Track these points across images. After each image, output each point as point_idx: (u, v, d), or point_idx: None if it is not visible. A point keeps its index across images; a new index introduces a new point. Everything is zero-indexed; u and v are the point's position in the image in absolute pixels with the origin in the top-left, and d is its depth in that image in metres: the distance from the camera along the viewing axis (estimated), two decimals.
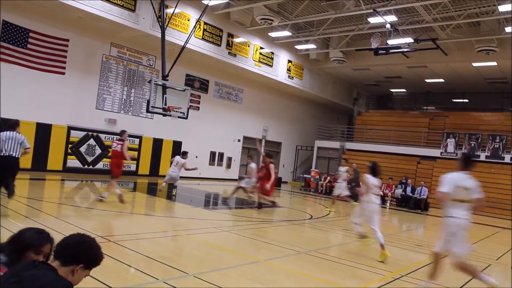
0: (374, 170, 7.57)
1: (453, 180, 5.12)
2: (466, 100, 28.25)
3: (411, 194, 18.26)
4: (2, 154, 7.55)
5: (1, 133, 7.70)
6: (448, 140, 21.65)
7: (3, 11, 13.90)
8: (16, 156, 7.71)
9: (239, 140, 23.66)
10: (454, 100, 29.13)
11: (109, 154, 16.91)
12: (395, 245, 9.07)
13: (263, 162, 12.59)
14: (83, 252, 2.18)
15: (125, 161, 10.68)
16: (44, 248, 2.33)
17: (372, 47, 16.62)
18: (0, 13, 13.59)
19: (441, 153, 21.74)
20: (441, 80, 25.02)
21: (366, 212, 7.43)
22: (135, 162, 17.90)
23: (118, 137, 10.57)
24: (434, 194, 18.96)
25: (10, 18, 14.11)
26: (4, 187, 7.80)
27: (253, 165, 13.48)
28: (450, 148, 21.51)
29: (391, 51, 17.04)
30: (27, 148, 7.97)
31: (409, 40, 17.62)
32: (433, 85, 26.58)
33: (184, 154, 13.07)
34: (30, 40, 14.67)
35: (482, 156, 20.49)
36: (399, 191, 18.87)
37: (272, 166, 12.04)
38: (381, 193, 7.67)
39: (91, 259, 2.22)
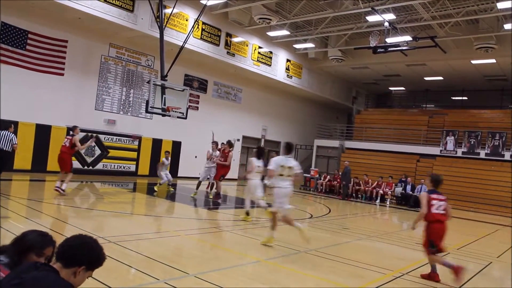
0: (259, 154, 9.57)
1: (278, 161, 7.03)
2: (465, 98, 28.26)
3: (411, 193, 18.27)
4: None
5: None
6: (448, 138, 21.67)
7: (3, 13, 13.88)
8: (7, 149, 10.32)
9: (238, 140, 23.65)
10: (453, 98, 29.14)
11: (109, 155, 17.03)
12: (396, 243, 9.09)
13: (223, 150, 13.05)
14: (85, 253, 2.18)
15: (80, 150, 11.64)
16: (46, 251, 2.33)
17: (371, 45, 16.63)
18: (0, 15, 13.58)
19: (441, 151, 21.75)
20: (440, 78, 25.03)
21: (249, 187, 9.33)
22: (134, 162, 17.89)
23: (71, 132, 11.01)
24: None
25: (9, 19, 14.09)
26: None
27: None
28: (450, 146, 21.52)
29: (389, 49, 17.04)
30: (14, 144, 10.54)
31: (408, 38, 17.64)
32: (432, 83, 26.59)
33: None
34: (29, 41, 14.66)
35: (482, 154, 20.51)
36: (399, 190, 18.89)
37: (230, 154, 12.73)
38: (262, 173, 8.51)
39: (93, 260, 2.22)
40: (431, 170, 21.13)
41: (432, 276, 5.84)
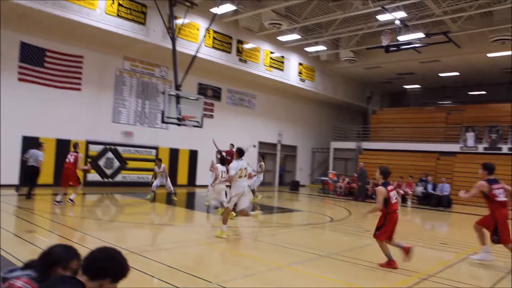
0: (222, 160, 10.71)
1: (237, 166, 8.13)
2: (484, 92, 27.72)
3: (432, 192, 17.95)
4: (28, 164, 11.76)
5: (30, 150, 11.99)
6: (467, 134, 21.25)
7: (20, 33, 14.26)
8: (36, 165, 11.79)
9: (254, 146, 23.65)
10: (471, 93, 28.62)
11: (127, 166, 17.22)
12: (418, 244, 8.92)
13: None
14: (110, 266, 2.21)
15: (80, 170, 11.77)
16: (72, 264, 2.36)
17: (383, 44, 16.49)
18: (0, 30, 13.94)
19: (461, 147, 21.34)
20: (456, 73, 24.64)
21: (216, 190, 10.57)
22: (152, 173, 18.02)
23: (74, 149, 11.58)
24: (457, 190, 18.47)
25: (27, 39, 14.46)
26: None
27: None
28: (470, 142, 21.09)
29: (402, 47, 16.87)
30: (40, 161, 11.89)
31: (420, 35, 17.42)
32: (448, 79, 26.18)
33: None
34: (46, 59, 15.00)
35: (505, 149, 20.01)
36: (419, 189, 18.59)
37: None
38: (225, 178, 9.70)
39: (117, 272, 2.24)
40: (452, 168, 20.77)
41: (391, 263, 6.17)
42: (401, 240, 9.13)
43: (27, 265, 2.37)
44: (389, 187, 6.47)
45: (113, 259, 2.24)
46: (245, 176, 8.31)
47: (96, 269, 2.18)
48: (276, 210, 14.13)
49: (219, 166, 10.39)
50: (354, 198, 19.30)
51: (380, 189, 6.43)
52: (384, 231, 6.29)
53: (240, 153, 8.52)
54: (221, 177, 10.10)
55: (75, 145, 11.59)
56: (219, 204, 10.72)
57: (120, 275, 2.25)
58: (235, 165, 8.19)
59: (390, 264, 6.20)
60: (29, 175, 11.93)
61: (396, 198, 6.45)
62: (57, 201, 10.74)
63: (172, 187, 13.76)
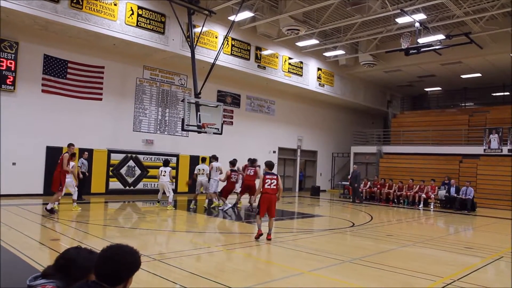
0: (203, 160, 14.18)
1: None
2: (507, 93, 27.06)
3: (455, 195, 17.56)
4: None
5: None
6: (491, 136, 20.75)
7: (44, 45, 14.69)
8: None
9: (274, 152, 23.65)
10: (494, 94, 27.98)
11: (148, 174, 17.43)
12: (443, 248, 8.75)
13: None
14: (124, 269, 2.19)
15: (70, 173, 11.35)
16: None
17: (403, 47, 16.33)
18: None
19: (485, 150, 20.83)
20: (478, 74, 24.15)
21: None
22: (173, 180, 18.18)
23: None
24: (481, 193, 18.00)
25: (50, 51, 14.88)
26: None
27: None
28: (494, 144, 20.58)
29: (422, 50, 16.65)
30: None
31: (441, 37, 17.19)
32: (470, 80, 25.67)
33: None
34: (69, 70, 15.40)
35: None
36: (442, 193, 18.21)
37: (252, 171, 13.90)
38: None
39: (133, 268, 2.23)
40: (475, 171, 20.30)
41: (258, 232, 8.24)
42: (423, 244, 9.00)
43: (45, 273, 2.36)
44: (268, 176, 8.32)
45: (123, 260, 2.21)
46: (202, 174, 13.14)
47: (114, 277, 2.16)
48: (297, 215, 14.07)
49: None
50: (351, 200, 19.58)
51: (261, 175, 8.69)
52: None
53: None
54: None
55: (68, 145, 11.40)
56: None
57: (136, 269, 2.25)
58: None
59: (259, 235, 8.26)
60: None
61: (273, 184, 8.32)
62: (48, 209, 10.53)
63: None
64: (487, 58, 20.97)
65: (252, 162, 14.02)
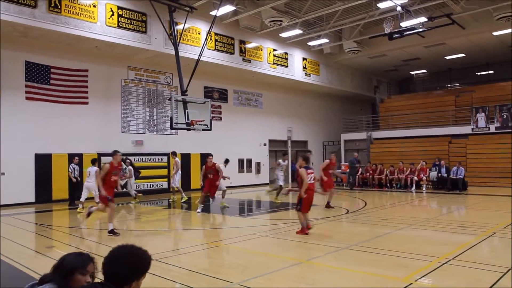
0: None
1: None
2: (492, 72, 27.36)
3: (446, 175, 17.77)
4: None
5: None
6: (478, 115, 21.00)
7: (25, 52, 14.45)
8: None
9: (265, 144, 23.68)
10: (479, 74, 28.26)
11: (140, 175, 17.34)
12: (437, 229, 8.86)
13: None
14: (131, 271, 2.20)
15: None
16: (89, 268, 2.39)
17: (386, 32, 16.40)
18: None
19: (472, 129, 21.09)
20: (462, 55, 24.35)
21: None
22: (165, 179, 18.12)
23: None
24: (472, 172, 18.21)
25: (31, 57, 14.65)
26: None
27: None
28: (481, 122, 20.84)
29: (405, 33, 16.77)
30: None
31: (423, 19, 17.28)
32: (454, 61, 25.88)
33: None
34: (52, 76, 15.18)
35: None
36: (434, 174, 18.42)
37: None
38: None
39: (142, 269, 2.24)
40: (465, 150, 20.55)
41: (303, 230, 7.98)
42: (418, 226, 9.11)
43: (42, 280, 2.38)
44: (309, 170, 8.01)
45: (130, 263, 2.22)
46: None
47: (121, 279, 2.17)
48: (291, 206, 14.13)
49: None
50: (350, 187, 19.78)
51: (302, 170, 8.05)
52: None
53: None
54: None
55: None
56: None
57: (146, 270, 2.26)
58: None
59: (302, 231, 7.98)
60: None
61: (312, 179, 8.13)
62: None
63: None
64: (469, 38, 21.14)
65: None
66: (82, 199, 12.50)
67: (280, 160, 14.53)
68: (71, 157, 15.21)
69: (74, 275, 2.33)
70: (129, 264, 2.19)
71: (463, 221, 10.37)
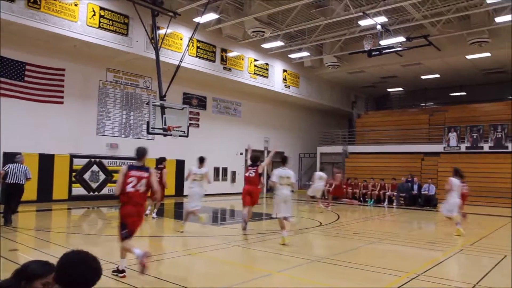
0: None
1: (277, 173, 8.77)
2: (464, 93, 28.26)
3: (415, 192, 18.14)
4: (10, 182, 9.76)
5: (9, 165, 10.03)
6: (450, 134, 21.62)
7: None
8: (22, 183, 9.98)
9: (241, 154, 23.66)
10: (452, 94, 29.13)
11: (113, 179, 17.05)
12: (407, 244, 9.00)
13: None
14: (81, 273, 2.13)
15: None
16: (49, 278, 2.31)
17: (365, 49, 16.73)
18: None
19: (444, 147, 21.68)
20: (437, 75, 25.07)
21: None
22: None
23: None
24: (442, 190, 18.68)
25: (6, 52, 14.24)
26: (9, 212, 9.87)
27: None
28: (453, 142, 21.45)
29: (384, 51, 17.15)
30: (29, 178, 10.20)
31: (401, 39, 17.75)
32: (430, 81, 26.62)
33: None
34: (27, 73, 14.80)
35: (486, 147, 20.42)
36: (407, 185, 18.73)
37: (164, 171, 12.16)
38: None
39: (90, 278, 2.18)
40: (436, 168, 21.05)
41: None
42: (388, 241, 9.23)
43: (0, 285, 2.31)
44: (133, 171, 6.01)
45: (83, 265, 2.17)
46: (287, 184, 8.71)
47: (68, 279, 2.12)
48: (265, 216, 14.11)
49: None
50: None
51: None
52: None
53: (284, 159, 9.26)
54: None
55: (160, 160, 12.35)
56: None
57: (95, 280, 2.19)
58: (277, 172, 8.77)
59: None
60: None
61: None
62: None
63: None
64: (445, 59, 21.82)
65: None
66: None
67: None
68: (41, 156, 14.84)
69: (33, 282, 2.25)
70: (82, 275, 2.13)
71: (432, 237, 10.58)
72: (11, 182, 9.79)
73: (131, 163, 6.26)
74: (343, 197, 13.74)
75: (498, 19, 16.61)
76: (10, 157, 14.00)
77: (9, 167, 10.00)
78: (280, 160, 9.20)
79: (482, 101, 25.35)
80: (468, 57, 20.90)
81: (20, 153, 12.23)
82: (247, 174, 10.20)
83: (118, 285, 5.15)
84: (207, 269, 6.44)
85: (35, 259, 2.50)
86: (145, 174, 5.92)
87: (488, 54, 20.23)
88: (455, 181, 10.22)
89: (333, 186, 16.55)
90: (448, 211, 10.35)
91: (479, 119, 21.98)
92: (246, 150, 13.39)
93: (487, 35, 18.15)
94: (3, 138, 14.10)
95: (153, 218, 11.92)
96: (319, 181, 15.56)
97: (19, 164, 10.06)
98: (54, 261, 2.45)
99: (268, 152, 25.12)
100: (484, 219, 14.12)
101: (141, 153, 6.28)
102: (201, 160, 10.28)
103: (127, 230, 5.55)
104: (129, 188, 5.71)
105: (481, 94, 26.63)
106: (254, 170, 10.09)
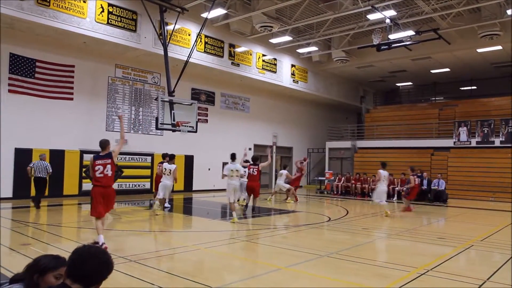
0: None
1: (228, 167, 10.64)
2: (474, 87, 27.94)
3: (425, 187, 18.01)
4: (36, 176, 12.20)
5: (34, 162, 12.49)
6: (460, 128, 21.40)
7: (10, 44, 14.19)
8: (44, 176, 12.36)
9: (250, 149, 23.65)
10: (462, 88, 28.83)
11: (122, 174, 17.18)
12: (416, 239, 8.97)
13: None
14: (93, 268, 2.16)
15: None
16: (61, 271, 2.35)
17: (374, 43, 16.61)
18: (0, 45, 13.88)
19: (454, 142, 21.48)
20: (447, 69, 24.82)
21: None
22: (148, 180, 17.94)
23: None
24: (452, 185, 18.46)
25: (17, 50, 14.40)
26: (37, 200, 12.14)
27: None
28: (463, 136, 21.24)
29: (393, 45, 17.01)
30: (50, 172, 12.49)
31: (411, 33, 17.56)
32: (439, 75, 26.36)
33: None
34: (37, 69, 14.94)
35: (497, 142, 20.19)
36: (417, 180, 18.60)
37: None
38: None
39: (106, 272, 2.20)
40: (446, 163, 20.88)
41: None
42: (397, 236, 9.20)
43: (14, 279, 2.34)
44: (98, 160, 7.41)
45: (95, 259, 2.20)
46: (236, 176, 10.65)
47: (80, 273, 2.15)
48: (273, 212, 14.13)
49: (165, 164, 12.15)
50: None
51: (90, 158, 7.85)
52: None
53: (233, 156, 11.01)
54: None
55: (256, 159, 12.92)
56: None
57: (105, 274, 2.22)
58: (227, 166, 10.53)
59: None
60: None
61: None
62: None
63: None
64: (454, 53, 21.57)
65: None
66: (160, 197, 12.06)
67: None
68: (52, 153, 14.99)
69: (46, 274, 2.29)
70: (93, 269, 2.16)
71: (442, 232, 10.52)
72: (37, 176, 12.22)
73: (95, 154, 7.67)
74: (297, 188, 16.76)
75: (510, 11, 16.36)
76: (22, 153, 14.24)
77: (34, 163, 12.35)
78: (230, 157, 11.09)
79: (493, 95, 25.02)
80: (479, 50, 20.64)
81: (31, 149, 12.40)
82: (250, 172, 12.45)
83: (130, 280, 5.21)
84: (216, 264, 6.48)
85: (47, 253, 2.54)
86: (108, 160, 7.40)
87: (499, 47, 19.97)
88: (383, 172, 12.64)
89: (292, 179, 17.19)
90: (377, 198, 12.96)
91: (490, 113, 21.74)
92: (245, 155, 13.84)
93: (499, 27, 17.90)
94: (17, 135, 14.29)
95: (166, 208, 12.39)
96: (280, 178, 16.50)
97: (42, 161, 12.43)
98: (66, 255, 2.49)
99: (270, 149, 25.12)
100: (495, 215, 14.00)
101: (102, 144, 7.73)
102: (233, 157, 11.34)
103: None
104: (98, 174, 7.22)
105: (492, 88, 26.27)
106: (256, 169, 12.40)
